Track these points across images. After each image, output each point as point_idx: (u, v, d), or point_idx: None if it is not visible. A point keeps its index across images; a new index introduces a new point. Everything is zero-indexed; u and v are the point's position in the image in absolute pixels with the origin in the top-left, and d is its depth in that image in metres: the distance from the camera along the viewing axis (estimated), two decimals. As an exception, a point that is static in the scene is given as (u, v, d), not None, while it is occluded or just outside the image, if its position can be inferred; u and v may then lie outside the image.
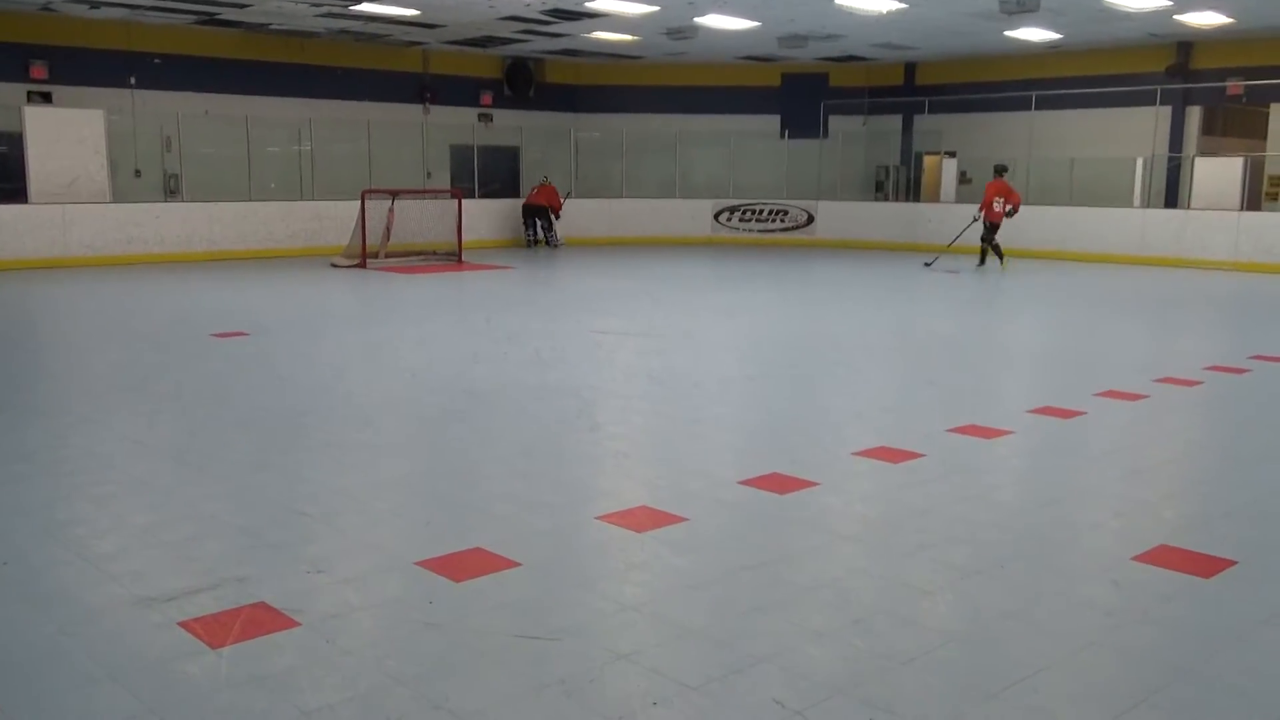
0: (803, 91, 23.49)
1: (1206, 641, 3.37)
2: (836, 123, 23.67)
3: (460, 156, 21.23)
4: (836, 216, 22.12)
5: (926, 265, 16.63)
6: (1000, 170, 16.66)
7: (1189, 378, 7.77)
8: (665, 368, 8.26)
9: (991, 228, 16.34)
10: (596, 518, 4.45)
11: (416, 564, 3.89)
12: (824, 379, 8.13)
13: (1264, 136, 19.35)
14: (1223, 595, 3.74)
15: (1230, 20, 16.89)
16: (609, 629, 3.41)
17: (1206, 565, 3.94)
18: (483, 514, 4.58)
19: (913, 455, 5.47)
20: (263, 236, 17.49)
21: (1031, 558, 4.13)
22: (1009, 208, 16.19)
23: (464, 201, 17.55)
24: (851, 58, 22.30)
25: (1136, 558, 4.04)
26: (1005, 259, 16.34)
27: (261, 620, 3.38)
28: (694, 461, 5.51)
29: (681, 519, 4.43)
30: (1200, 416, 6.94)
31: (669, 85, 23.47)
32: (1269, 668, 3.19)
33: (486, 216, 19.98)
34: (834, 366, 8.59)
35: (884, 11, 16.62)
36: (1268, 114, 19.30)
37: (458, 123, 21.57)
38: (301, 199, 18.52)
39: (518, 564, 3.90)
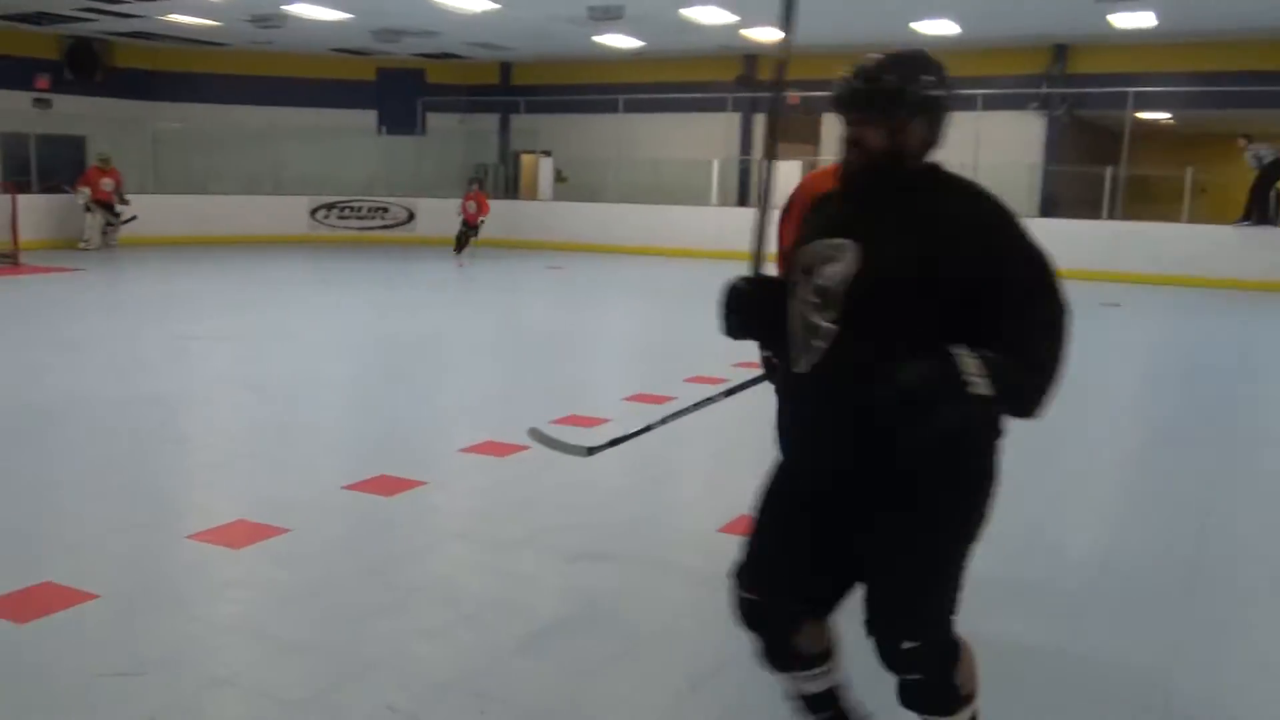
0: (400, 87, 23.21)
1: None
2: (435, 120, 23.62)
3: (13, 146, 18.82)
4: (438, 213, 22.07)
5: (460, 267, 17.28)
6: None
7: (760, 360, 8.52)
8: (261, 372, 7.85)
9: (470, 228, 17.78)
10: (187, 537, 4.13)
11: (-31, 608, 3.42)
12: (429, 377, 8.10)
13: (817, 142, 21.67)
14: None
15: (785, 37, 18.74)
16: (204, 654, 3.18)
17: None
18: (52, 543, 4.11)
19: (519, 448, 5.57)
20: None
21: (633, 538, 4.36)
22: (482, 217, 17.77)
23: (19, 197, 15.63)
24: (449, 55, 22.35)
25: (722, 529, 4.39)
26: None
27: None
28: (295, 469, 5.28)
29: (283, 530, 4.23)
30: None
31: (258, 75, 22.26)
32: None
33: (48, 213, 17.89)
34: (439, 364, 8.59)
35: (478, 10, 16.82)
36: (820, 123, 21.64)
37: (8, 108, 19.14)
38: None
39: (95, 595, 3.53)
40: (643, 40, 19.68)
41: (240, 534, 4.18)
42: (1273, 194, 16.32)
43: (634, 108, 21.42)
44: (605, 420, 6.33)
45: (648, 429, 4.43)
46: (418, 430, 6.24)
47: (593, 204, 21.23)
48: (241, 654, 3.20)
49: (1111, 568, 4.12)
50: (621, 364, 9.05)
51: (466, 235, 17.83)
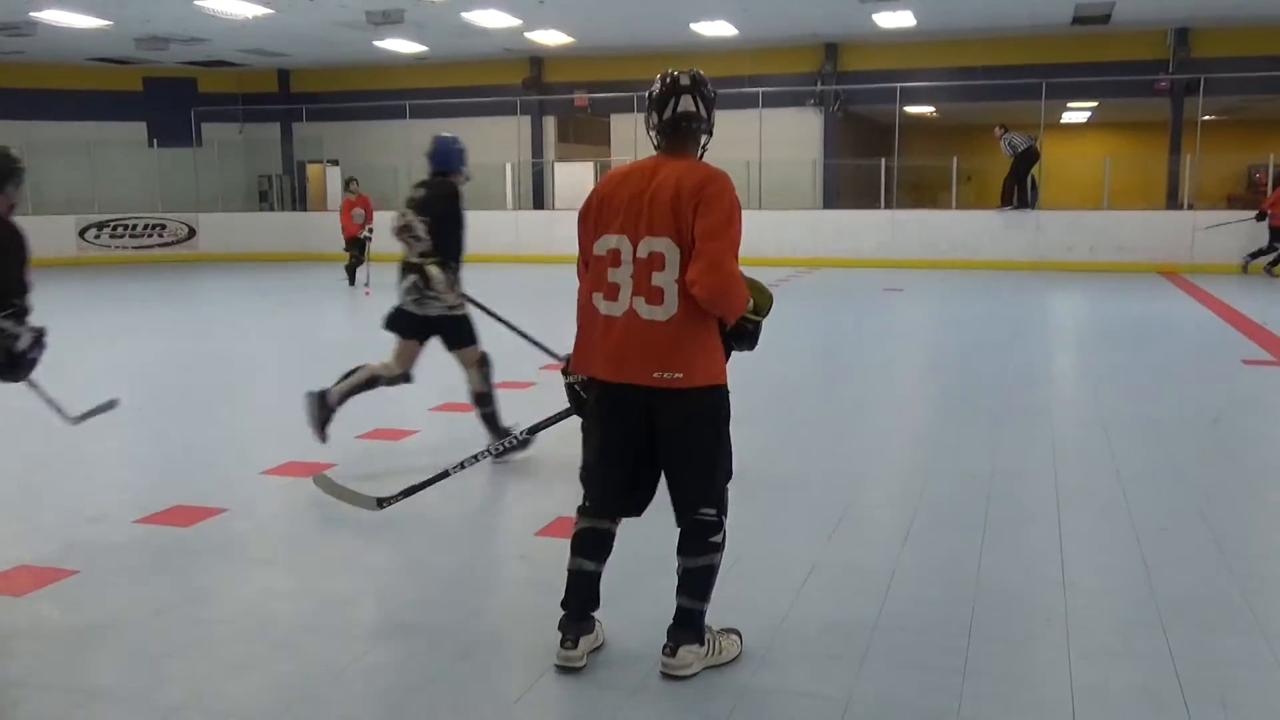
0: (169, 97, 22.04)
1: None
2: (211, 130, 22.58)
3: None
4: (220, 229, 21.15)
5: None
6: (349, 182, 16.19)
7: (568, 362, 8.56)
8: (34, 405, 7.28)
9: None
10: (-40, 589, 3.81)
11: None
12: (224, 399, 7.72)
13: (609, 143, 21.94)
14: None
15: (572, 40, 18.89)
16: (-11, 715, 2.94)
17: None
18: None
19: (324, 466, 5.41)
20: None
21: (448, 547, 4.30)
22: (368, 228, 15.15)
23: None
24: (221, 63, 21.38)
25: (539, 533, 4.39)
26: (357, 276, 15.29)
27: None
28: (81, 506, 4.93)
29: (70, 572, 3.95)
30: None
31: (10, 87, 20.69)
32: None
33: None
34: (234, 385, 8.21)
35: (249, 16, 16.17)
36: (609, 123, 21.92)
37: None
38: None
39: None
40: (426, 45, 19.41)
41: (23, 580, 3.88)
42: (1029, 179, 17.62)
43: (421, 113, 21.10)
44: (413, 431, 6.23)
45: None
46: (215, 455, 5.96)
47: (384, 213, 20.71)
48: (33, 711, 2.98)
49: (914, 538, 4.35)
50: (427, 373, 8.86)
51: (360, 253, 15.13)
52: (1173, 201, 18.13)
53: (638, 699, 3.01)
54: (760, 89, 18.89)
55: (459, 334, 5.55)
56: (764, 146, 18.41)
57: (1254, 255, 15.75)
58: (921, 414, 6.92)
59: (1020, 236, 17.13)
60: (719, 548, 3.11)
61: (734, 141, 17.80)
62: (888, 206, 18.36)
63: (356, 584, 3.90)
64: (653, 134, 3.15)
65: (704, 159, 3.17)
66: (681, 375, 2.97)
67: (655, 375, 2.97)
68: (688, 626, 3.11)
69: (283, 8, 15.73)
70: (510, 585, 3.96)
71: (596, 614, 3.24)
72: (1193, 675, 3.10)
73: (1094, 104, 22.28)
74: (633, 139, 19.51)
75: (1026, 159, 17.35)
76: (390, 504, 4.37)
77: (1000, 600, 3.70)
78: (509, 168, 21.22)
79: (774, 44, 19.39)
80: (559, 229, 19.57)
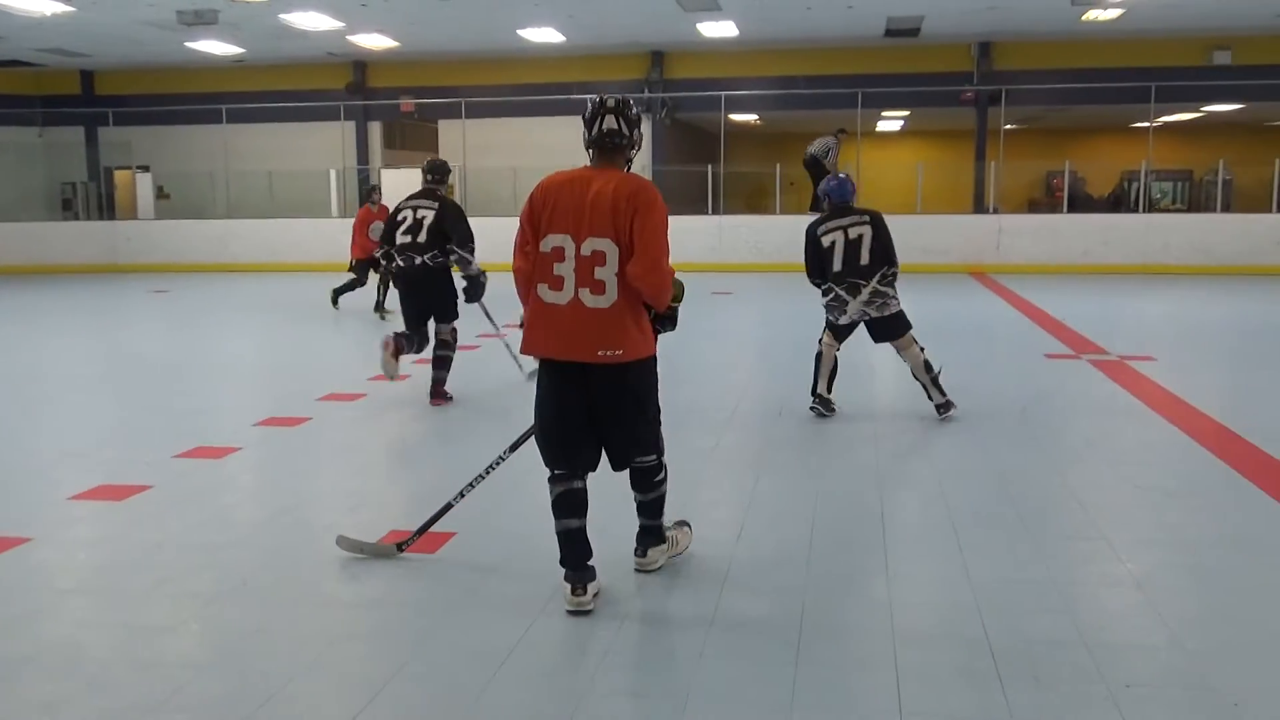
0: (-43, 99, 20.54)
1: (425, 612, 3.69)
2: (6, 134, 21.17)
3: None
4: (18, 239, 19.78)
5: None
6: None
7: (400, 372, 8.37)
8: None
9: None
10: None
11: None
12: (23, 421, 7.21)
13: (436, 149, 21.61)
14: (445, 568, 4.13)
15: (396, 44, 18.54)
16: None
17: (432, 541, 4.29)
18: None
19: (139, 489, 5.14)
20: None
21: (274, 568, 4.14)
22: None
23: None
24: (17, 62, 20.02)
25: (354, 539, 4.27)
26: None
27: None
28: None
29: None
30: (412, 406, 7.50)
31: None
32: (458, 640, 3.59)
33: None
34: (35, 406, 7.68)
35: (47, 14, 15.23)
36: (437, 129, 21.61)
37: None
38: None
39: None
40: (242, 47, 18.70)
41: None
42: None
43: (239, 118, 20.33)
44: (237, 449, 5.98)
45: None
46: (14, 481, 5.56)
47: (201, 221, 19.93)
48: None
49: (747, 536, 4.45)
50: (248, 388, 8.56)
51: (364, 275, 12.71)
52: (979, 205, 19.14)
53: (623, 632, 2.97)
54: (589, 96, 18.98)
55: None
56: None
57: None
58: (752, 412, 7.07)
59: (841, 240, 17.73)
60: (664, 480, 3.93)
61: (565, 148, 17.91)
62: (715, 212, 18.73)
63: (176, 612, 3.70)
64: (588, 149, 3.76)
65: (624, 164, 3.81)
66: (622, 351, 3.58)
67: (600, 353, 3.56)
68: (651, 533, 3.96)
69: (85, 5, 14.88)
70: (336, 603, 3.84)
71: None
72: (1008, 654, 3.27)
73: (906, 113, 23.32)
74: (461, 145, 19.30)
75: (814, 165, 18.03)
76: (408, 546, 4.19)
77: (828, 590, 3.82)
78: (333, 174, 20.62)
79: (602, 51, 19.53)
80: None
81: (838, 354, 6.74)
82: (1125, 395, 7.42)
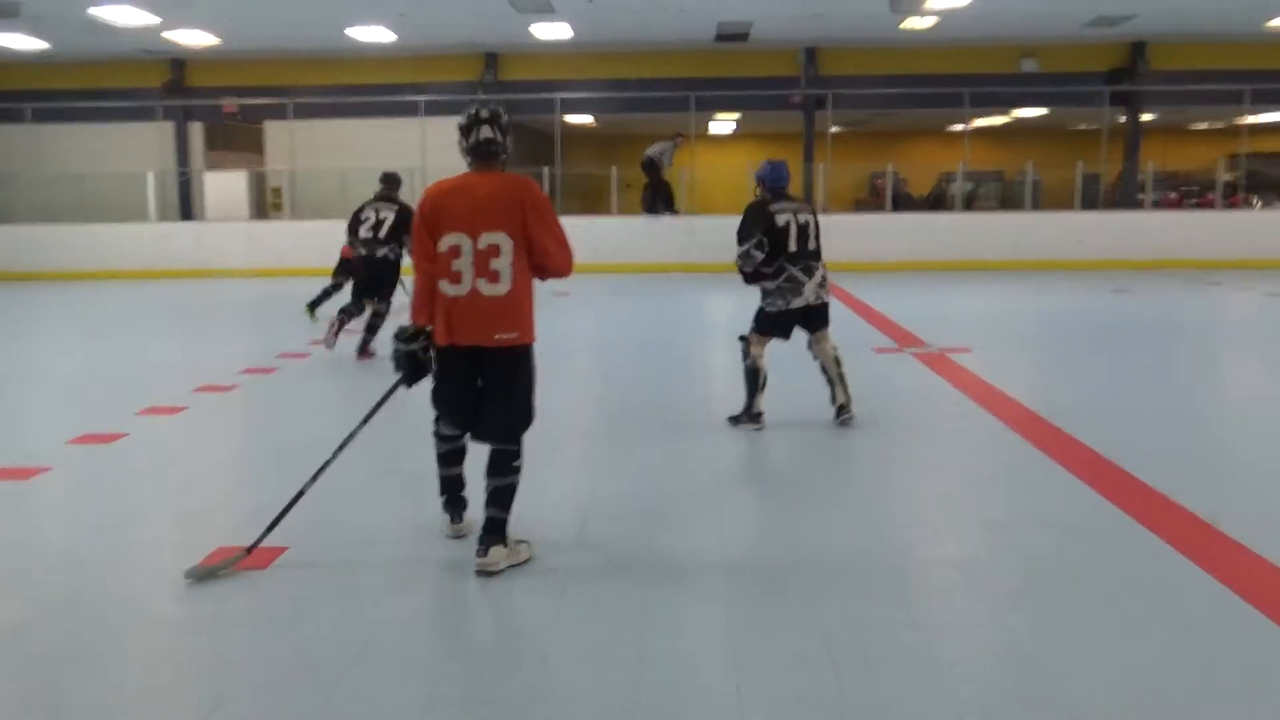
0: None
1: (266, 623, 3.57)
2: None
3: None
4: None
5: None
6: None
7: (225, 383, 8.07)
8: None
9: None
10: None
11: None
12: None
13: (262, 151, 20.89)
14: (277, 583, 4.00)
15: (218, 41, 17.82)
16: None
17: (262, 556, 4.14)
18: None
19: (-64, 514, 4.78)
20: None
21: (88, 596, 3.92)
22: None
23: None
24: None
25: (198, 567, 4.09)
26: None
27: None
28: None
29: None
30: (240, 418, 7.26)
31: None
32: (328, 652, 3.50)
33: None
34: None
35: None
36: (263, 130, 20.88)
37: None
38: None
39: None
40: (47, 41, 17.65)
41: None
42: (663, 187, 18.61)
43: (45, 117, 19.18)
44: (47, 469, 5.63)
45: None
46: None
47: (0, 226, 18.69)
48: None
49: (589, 531, 4.46)
50: (59, 404, 8.05)
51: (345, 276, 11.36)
52: (809, 206, 19.71)
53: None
54: (422, 97, 18.70)
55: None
56: (427, 154, 18.22)
57: None
58: (595, 410, 7.10)
59: (676, 240, 18.00)
60: (518, 470, 4.11)
61: (396, 149, 17.58)
62: (552, 214, 18.69)
63: (-20, 642, 3.46)
64: (465, 156, 4.14)
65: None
66: (516, 335, 4.01)
67: (496, 337, 3.97)
68: (495, 531, 4.02)
69: None
70: (159, 626, 3.66)
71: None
72: (841, 640, 3.38)
73: (738, 116, 23.84)
74: (288, 146, 18.71)
75: (650, 168, 18.37)
76: (257, 545, 4.16)
77: (667, 583, 3.87)
78: (151, 177, 19.63)
79: (434, 52, 19.25)
80: (206, 241, 18.44)
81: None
82: (945, 385, 7.78)
